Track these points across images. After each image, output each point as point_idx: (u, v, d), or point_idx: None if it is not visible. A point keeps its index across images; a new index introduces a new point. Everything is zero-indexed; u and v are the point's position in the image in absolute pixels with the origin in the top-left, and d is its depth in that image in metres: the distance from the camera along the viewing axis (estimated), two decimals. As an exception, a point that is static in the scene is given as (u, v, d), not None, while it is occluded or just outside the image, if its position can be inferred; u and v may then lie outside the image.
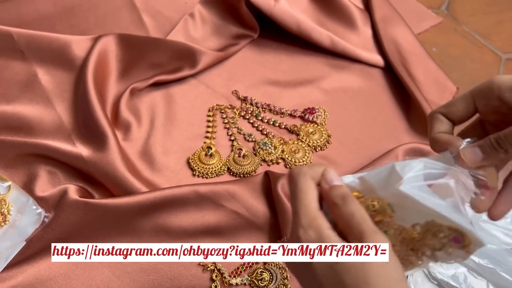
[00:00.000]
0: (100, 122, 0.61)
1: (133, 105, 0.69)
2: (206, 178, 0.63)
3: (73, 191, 0.57)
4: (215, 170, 0.64)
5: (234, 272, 0.56)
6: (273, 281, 0.55)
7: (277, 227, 0.58)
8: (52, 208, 0.57)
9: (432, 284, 0.58)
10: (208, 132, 0.68)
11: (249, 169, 0.64)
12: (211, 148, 0.65)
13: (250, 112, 0.72)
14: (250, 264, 0.57)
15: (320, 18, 0.84)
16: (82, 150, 0.60)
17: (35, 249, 0.54)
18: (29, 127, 0.62)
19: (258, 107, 0.73)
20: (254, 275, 0.56)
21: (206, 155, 0.65)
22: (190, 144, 0.66)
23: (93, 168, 0.59)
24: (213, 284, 0.55)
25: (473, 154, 0.34)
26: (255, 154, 0.66)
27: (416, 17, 0.92)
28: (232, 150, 0.67)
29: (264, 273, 0.56)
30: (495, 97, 0.34)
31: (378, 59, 0.82)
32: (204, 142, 0.67)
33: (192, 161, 0.64)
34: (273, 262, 0.56)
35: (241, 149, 0.66)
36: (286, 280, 0.55)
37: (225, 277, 0.55)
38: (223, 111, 0.71)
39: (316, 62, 0.81)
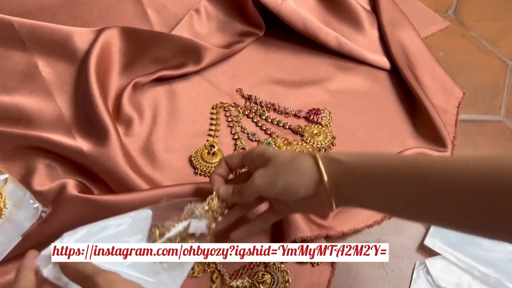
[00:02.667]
0: (102, 116, 0.59)
1: (135, 100, 0.67)
2: (208, 176, 0.62)
3: (72, 186, 0.56)
4: (217, 169, 0.62)
5: (235, 274, 0.55)
6: (274, 284, 0.54)
7: (280, 227, 0.57)
8: (50, 203, 0.56)
9: (435, 292, 0.57)
10: (211, 130, 0.67)
11: (252, 169, 0.63)
12: (214, 147, 0.64)
13: (254, 111, 0.71)
14: (251, 266, 0.56)
15: (326, 18, 0.83)
16: (82, 144, 0.59)
17: (31, 244, 0.53)
18: (28, 119, 0.61)
19: (262, 106, 0.71)
20: (255, 277, 0.54)
21: (208, 153, 0.63)
22: (192, 142, 0.65)
23: (93, 163, 0.57)
24: (213, 285, 0.53)
25: (226, 192, 0.48)
26: (259, 154, 0.65)
27: (423, 21, 0.91)
28: (235, 149, 0.65)
29: (265, 276, 0.54)
30: (251, 159, 0.49)
31: (384, 62, 0.81)
32: (207, 140, 0.65)
33: (194, 159, 0.62)
34: (275, 265, 0.55)
35: (244, 148, 0.65)
36: (287, 284, 0.54)
37: (225, 279, 0.54)
38: (226, 109, 0.70)
39: (322, 62, 0.80)
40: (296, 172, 0.44)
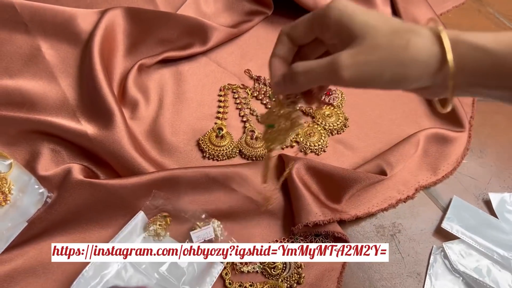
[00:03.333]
0: (107, 99, 0.58)
1: (141, 82, 0.65)
2: (217, 160, 0.60)
3: (77, 170, 0.55)
4: (226, 153, 0.60)
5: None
6: (286, 270, 0.52)
7: (291, 213, 0.55)
8: (55, 188, 0.54)
9: (453, 277, 0.55)
10: (219, 112, 0.65)
11: (261, 152, 0.61)
12: (222, 129, 0.62)
13: (263, 92, 0.68)
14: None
15: (337, -5, 0.80)
16: (87, 127, 0.57)
17: (37, 230, 0.52)
18: (32, 103, 0.59)
19: (271, 87, 0.69)
20: (266, 262, 0.53)
21: (217, 136, 0.61)
22: (200, 125, 0.63)
23: (98, 147, 0.56)
24: (224, 270, 0.52)
25: (278, 86, 0.37)
26: (268, 137, 0.63)
27: (438, -3, 0.87)
28: (244, 132, 0.63)
29: (276, 261, 0.53)
30: (327, 26, 0.34)
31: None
32: (215, 123, 0.63)
33: (202, 143, 0.61)
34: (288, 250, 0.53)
35: (253, 131, 0.63)
36: (300, 269, 0.52)
37: (236, 264, 0.52)
38: (235, 91, 0.68)
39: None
40: (411, 61, 0.32)
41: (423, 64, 0.32)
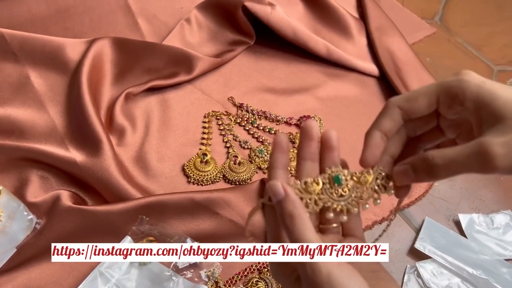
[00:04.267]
0: (94, 127, 0.60)
1: (128, 110, 0.68)
2: (201, 185, 0.63)
3: (66, 197, 0.56)
4: (210, 177, 0.63)
5: (229, 281, 0.55)
6: (268, 291, 0.54)
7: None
8: (44, 215, 0.56)
9: (426, 295, 0.58)
10: (203, 138, 0.68)
11: (244, 176, 0.64)
12: (206, 155, 0.65)
13: (246, 119, 0.71)
14: (245, 273, 0.56)
15: (315, 26, 0.85)
16: (75, 155, 0.59)
17: (26, 256, 0.53)
18: (21, 131, 0.61)
19: (253, 114, 0.72)
20: (249, 284, 0.55)
21: (201, 162, 0.64)
22: (185, 151, 0.66)
23: (86, 174, 0.58)
24: (208, 293, 0.54)
25: (404, 176, 0.33)
26: (251, 162, 0.66)
27: (410, 27, 0.93)
28: (227, 157, 0.66)
29: (259, 283, 0.55)
30: (460, 101, 0.32)
31: (373, 68, 0.82)
32: (200, 149, 0.66)
33: (187, 168, 0.63)
34: (269, 272, 0.56)
35: (236, 156, 0.66)
36: (281, 290, 0.55)
37: (219, 287, 0.54)
38: (218, 117, 0.71)
39: (312, 70, 0.81)
40: None
41: None
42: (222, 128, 0.70)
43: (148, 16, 0.80)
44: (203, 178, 0.63)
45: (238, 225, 0.58)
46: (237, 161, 0.65)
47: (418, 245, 0.61)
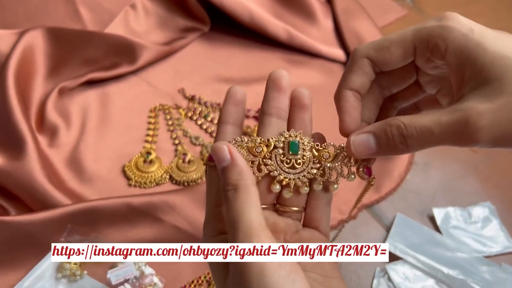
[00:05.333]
0: (18, 126, 0.53)
1: (62, 107, 0.61)
2: (144, 188, 0.56)
3: (-18, 207, 0.49)
4: (154, 179, 0.56)
5: (174, 296, 0.49)
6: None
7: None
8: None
9: (398, 301, 0.52)
10: (148, 135, 0.61)
11: (194, 176, 0.57)
12: (150, 154, 0.58)
13: (198, 112, 0.65)
14: (193, 285, 0.50)
15: (277, 10, 0.78)
16: (-5, 158, 0.52)
17: None
18: None
19: (207, 107, 0.65)
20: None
21: (144, 161, 0.57)
22: (126, 150, 0.58)
23: (7, 179, 0.51)
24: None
25: (365, 147, 0.27)
26: (202, 159, 0.59)
27: (380, 9, 0.87)
28: (175, 156, 0.59)
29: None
30: (441, 54, 0.26)
31: (339, 54, 0.76)
32: (144, 147, 0.59)
33: (128, 169, 0.56)
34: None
35: (186, 154, 0.59)
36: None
37: (162, 303, 0.48)
38: (167, 111, 0.64)
39: (273, 57, 0.75)
40: None
41: None
42: (170, 123, 0.63)
43: (91, 4, 0.72)
44: (146, 180, 0.56)
45: (183, 231, 0.51)
46: (187, 159, 0.58)
47: (388, 246, 0.55)
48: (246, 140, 0.30)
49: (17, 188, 0.50)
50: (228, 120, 0.30)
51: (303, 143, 0.30)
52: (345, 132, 0.30)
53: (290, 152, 0.29)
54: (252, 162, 0.29)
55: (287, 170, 0.30)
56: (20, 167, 0.50)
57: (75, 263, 0.47)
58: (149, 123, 0.62)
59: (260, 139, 0.30)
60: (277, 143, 0.30)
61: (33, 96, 0.60)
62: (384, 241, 0.55)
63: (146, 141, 0.60)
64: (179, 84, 0.67)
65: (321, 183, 0.30)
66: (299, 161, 0.30)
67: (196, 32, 0.73)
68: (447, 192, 0.63)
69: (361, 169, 0.31)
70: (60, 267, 0.47)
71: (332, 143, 0.31)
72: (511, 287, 0.52)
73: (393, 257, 0.54)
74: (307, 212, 0.32)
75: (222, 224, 0.29)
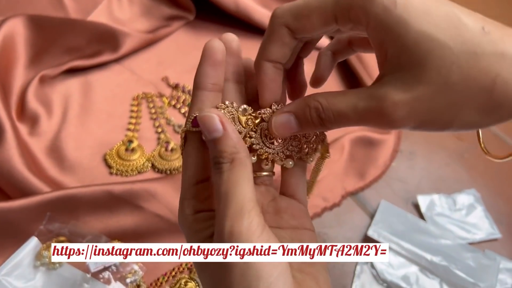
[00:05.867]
0: (-4, 114, 0.52)
1: (43, 95, 0.60)
2: (126, 176, 0.55)
3: (-42, 195, 0.48)
4: (136, 167, 0.55)
5: (154, 284, 0.48)
6: (200, 292, 0.48)
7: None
8: None
9: (381, 287, 0.51)
10: (130, 123, 0.60)
11: (177, 164, 0.56)
12: (132, 142, 0.57)
13: (182, 101, 0.64)
14: (173, 273, 0.49)
15: (263, -1, 0.77)
16: (-26, 147, 0.51)
17: None
18: None
19: (190, 95, 0.65)
20: (177, 285, 0.48)
21: (126, 150, 0.56)
22: (108, 138, 0.58)
23: (-16, 168, 0.50)
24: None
25: (287, 127, 0.27)
26: (186, 147, 0.58)
27: None
28: (158, 144, 0.59)
29: (189, 283, 0.48)
30: (363, 27, 0.24)
31: (324, 42, 0.75)
32: (125, 135, 0.58)
33: (109, 157, 0.56)
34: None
35: (168, 142, 0.58)
36: (214, 290, 0.48)
37: (142, 291, 0.47)
38: (150, 99, 0.63)
39: (259, 46, 0.74)
40: (494, 108, 0.22)
41: (509, 109, 0.22)
42: (153, 111, 0.62)
43: (74, -8, 0.72)
44: (128, 168, 0.55)
45: (165, 219, 0.51)
46: (169, 148, 0.58)
47: (371, 232, 0.54)
48: (240, 109, 0.28)
49: (-4, 176, 0.50)
50: (205, 85, 0.27)
51: None
52: (264, 107, 0.29)
53: None
54: (240, 132, 0.28)
55: (268, 145, 0.30)
56: (-2, 155, 0.50)
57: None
58: (132, 111, 0.61)
59: (251, 110, 0.28)
60: (264, 116, 0.29)
61: (13, 84, 0.59)
62: (367, 228, 0.55)
63: (129, 129, 0.59)
64: (163, 72, 0.67)
65: (295, 159, 0.31)
66: (279, 139, 0.30)
67: (181, 21, 0.72)
68: (433, 180, 0.63)
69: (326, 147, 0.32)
70: (38, 255, 0.47)
71: None
72: (494, 273, 0.52)
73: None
74: (283, 179, 0.32)
75: (200, 202, 0.27)
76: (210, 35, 0.73)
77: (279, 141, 0.30)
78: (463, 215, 0.59)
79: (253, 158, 0.30)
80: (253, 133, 0.29)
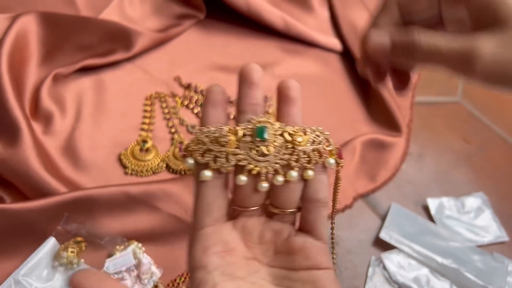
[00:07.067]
0: (12, 113, 0.52)
1: (56, 93, 0.60)
2: (141, 176, 0.55)
3: (-24, 195, 0.48)
4: (151, 167, 0.56)
5: (171, 285, 0.49)
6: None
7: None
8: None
9: (392, 289, 0.52)
10: (144, 123, 0.60)
11: (191, 165, 0.56)
12: (146, 142, 0.57)
13: (194, 101, 0.64)
14: (189, 275, 0.50)
15: (273, -2, 0.77)
16: (-10, 145, 0.51)
17: None
18: None
19: (203, 95, 0.65)
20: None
21: (141, 150, 0.57)
22: (122, 138, 0.58)
23: (2, 167, 0.50)
24: (146, 299, 0.47)
25: (379, 50, 0.30)
26: (199, 148, 0.59)
27: None
28: (172, 144, 0.59)
29: (205, 284, 0.49)
30: (461, 5, 0.30)
31: (335, 43, 0.76)
32: (140, 135, 0.59)
33: (124, 157, 0.56)
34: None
35: (182, 143, 0.59)
36: (230, 291, 0.48)
37: (160, 291, 0.48)
38: (163, 99, 0.63)
39: (269, 46, 0.74)
40: None
41: None
42: (166, 111, 0.62)
43: (84, -11, 0.71)
44: (143, 168, 0.55)
45: (181, 220, 0.51)
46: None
47: (383, 235, 0.55)
48: (212, 129, 0.27)
49: (13, 176, 0.49)
50: (209, 124, 0.29)
51: (273, 128, 0.28)
52: (369, 49, 0.31)
53: (258, 139, 0.27)
54: (220, 152, 0.27)
55: (256, 158, 0.27)
56: (15, 155, 0.49)
57: (72, 251, 0.47)
58: (145, 111, 0.61)
59: (228, 128, 0.27)
60: (245, 130, 0.27)
61: (27, 82, 0.59)
62: (379, 231, 0.56)
63: (142, 129, 0.59)
64: (175, 72, 0.67)
65: (296, 169, 0.28)
66: (269, 147, 0.27)
67: (192, 19, 0.72)
68: (441, 182, 0.64)
69: (333, 152, 0.29)
70: (57, 255, 0.47)
71: (305, 128, 0.29)
72: (503, 276, 0.53)
73: (388, 246, 0.55)
74: (302, 215, 0.30)
75: None
76: (221, 35, 0.73)
77: (269, 152, 0.27)
78: (471, 218, 0.60)
79: (242, 178, 0.27)
80: (236, 149, 0.27)
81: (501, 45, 0.27)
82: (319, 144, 0.28)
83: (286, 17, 0.73)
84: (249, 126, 0.28)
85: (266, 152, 0.27)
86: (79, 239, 0.48)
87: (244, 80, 0.29)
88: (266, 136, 0.27)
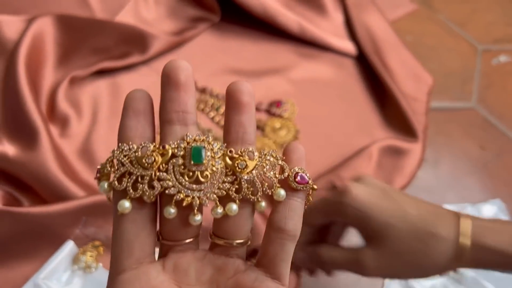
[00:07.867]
0: (31, 116, 0.52)
1: (73, 96, 0.60)
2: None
3: (-6, 198, 0.48)
4: (167, 171, 0.55)
5: None
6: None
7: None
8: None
9: (409, 296, 0.52)
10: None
11: (207, 169, 0.56)
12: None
13: (210, 104, 0.64)
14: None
15: (288, 1, 0.77)
16: (8, 148, 0.51)
17: None
18: None
19: (218, 99, 0.65)
20: None
21: (157, 153, 0.56)
22: (139, 141, 0.58)
23: (20, 170, 0.50)
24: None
25: (303, 262, 0.44)
26: (215, 152, 0.59)
27: (390, 4, 0.86)
28: (188, 148, 0.59)
29: None
30: (344, 219, 0.41)
31: (350, 47, 0.75)
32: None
33: (141, 161, 0.55)
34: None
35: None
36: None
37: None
38: (178, 103, 0.63)
39: (284, 49, 0.74)
40: (429, 265, 0.38)
41: (441, 266, 0.37)
42: (182, 115, 0.62)
43: (99, -9, 0.71)
44: (159, 172, 0.55)
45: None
46: (199, 152, 0.58)
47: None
48: (134, 148, 0.23)
49: (31, 179, 0.50)
50: (129, 139, 0.23)
51: (211, 149, 0.23)
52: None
53: (192, 162, 0.22)
54: (142, 177, 0.22)
55: (188, 185, 0.22)
56: (34, 158, 0.50)
57: (90, 255, 0.47)
58: (161, 114, 0.61)
59: (154, 146, 0.22)
60: (176, 150, 0.22)
61: (43, 84, 0.59)
62: (396, 237, 0.56)
63: (158, 133, 0.59)
64: (190, 75, 0.66)
65: (237, 201, 0.23)
66: (205, 173, 0.22)
67: (206, 22, 0.72)
68: (457, 189, 0.63)
69: (291, 179, 0.24)
70: (75, 259, 0.47)
71: (253, 150, 0.23)
72: (520, 284, 0.53)
73: (405, 253, 0.55)
74: (262, 244, 0.24)
75: None
76: (236, 38, 0.73)
77: (205, 179, 0.22)
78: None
79: (170, 211, 0.22)
80: (163, 173, 0.22)
81: (379, 256, 0.38)
82: (267, 170, 0.23)
83: (301, 21, 0.73)
84: (182, 145, 0.22)
85: (201, 179, 0.22)
86: (97, 243, 0.48)
87: (167, 81, 0.23)
88: (203, 159, 0.22)
